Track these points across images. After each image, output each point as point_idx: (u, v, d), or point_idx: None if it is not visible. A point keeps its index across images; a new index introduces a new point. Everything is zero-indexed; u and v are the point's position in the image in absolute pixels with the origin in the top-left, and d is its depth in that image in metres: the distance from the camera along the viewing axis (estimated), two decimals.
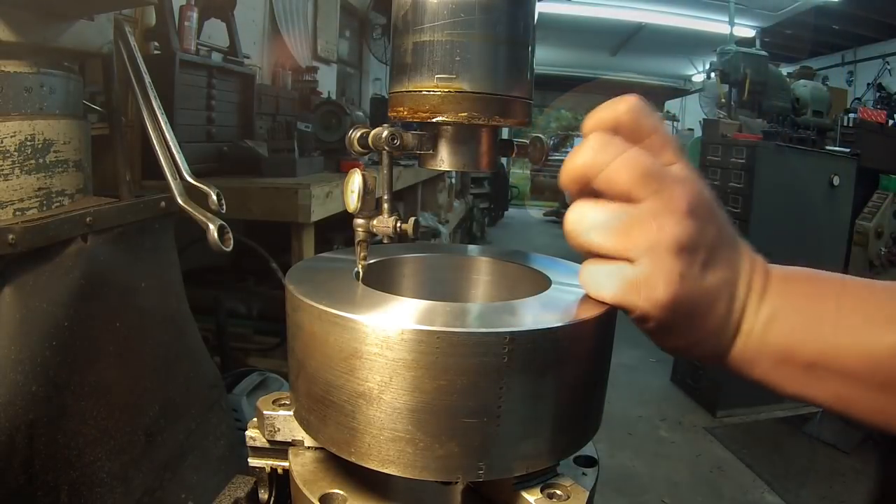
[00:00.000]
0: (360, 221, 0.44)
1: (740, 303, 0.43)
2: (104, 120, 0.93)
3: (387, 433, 0.38)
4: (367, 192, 0.43)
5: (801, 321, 0.42)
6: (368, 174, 0.43)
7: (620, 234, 0.40)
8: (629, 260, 0.40)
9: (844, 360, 0.41)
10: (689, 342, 0.43)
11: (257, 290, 2.14)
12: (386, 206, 0.44)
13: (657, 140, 0.42)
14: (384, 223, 0.44)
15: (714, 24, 8.25)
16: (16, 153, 0.71)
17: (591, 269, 0.42)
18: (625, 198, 0.40)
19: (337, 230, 2.38)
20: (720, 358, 0.44)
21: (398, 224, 0.44)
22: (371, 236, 0.45)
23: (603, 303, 0.42)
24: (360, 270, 0.46)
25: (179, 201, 0.85)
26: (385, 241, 0.45)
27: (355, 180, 0.43)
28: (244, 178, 1.96)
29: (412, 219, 0.44)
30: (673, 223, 0.39)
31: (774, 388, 0.44)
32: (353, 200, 0.43)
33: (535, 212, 11.86)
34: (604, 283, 0.41)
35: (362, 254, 0.45)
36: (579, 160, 0.40)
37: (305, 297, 0.40)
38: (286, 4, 3.72)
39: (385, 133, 0.43)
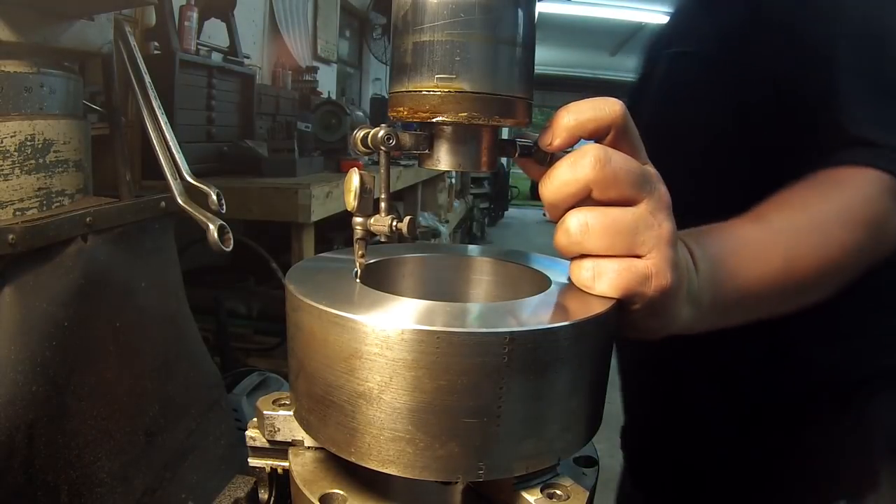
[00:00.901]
0: (358, 220, 0.45)
1: (687, 275, 0.48)
2: (104, 120, 0.93)
3: (387, 433, 0.38)
4: (364, 191, 0.44)
5: (720, 277, 0.51)
6: (367, 174, 0.44)
7: (630, 235, 0.42)
8: (636, 256, 0.43)
9: (754, 290, 0.53)
10: (664, 323, 0.47)
11: (257, 290, 2.14)
12: (383, 205, 0.45)
13: (635, 142, 0.45)
14: (381, 222, 0.45)
15: None
16: (16, 153, 0.71)
17: (593, 266, 0.43)
18: (623, 202, 0.43)
19: (337, 230, 2.39)
20: (675, 328, 0.49)
21: (394, 223, 0.44)
22: (370, 235, 0.45)
23: (605, 300, 0.43)
24: (359, 269, 0.46)
25: (179, 201, 0.85)
26: (383, 240, 0.46)
27: (353, 179, 0.43)
28: (244, 178, 1.97)
29: (408, 218, 0.45)
30: (666, 218, 0.44)
31: (704, 331, 0.52)
32: (350, 199, 0.44)
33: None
34: (612, 279, 0.43)
35: (360, 252, 0.46)
36: (581, 175, 0.42)
37: (305, 297, 0.40)
38: (286, 4, 3.72)
39: (381, 133, 0.43)
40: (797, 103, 0.66)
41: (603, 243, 0.43)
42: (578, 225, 0.43)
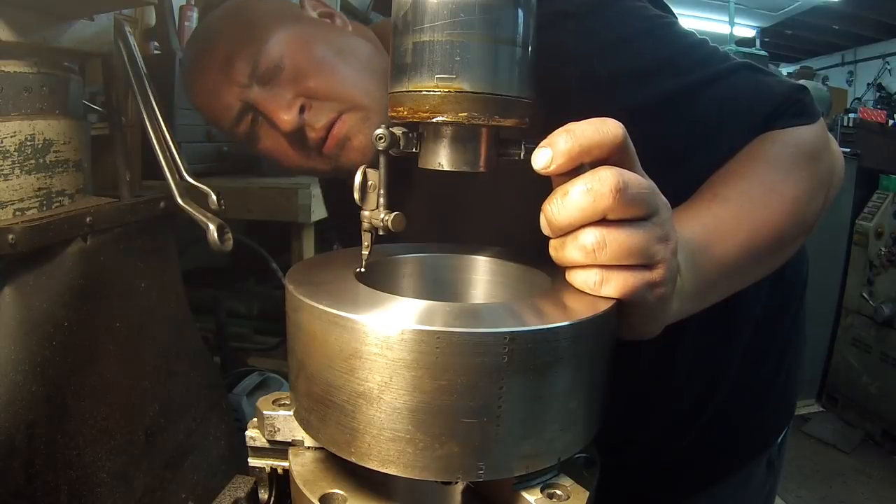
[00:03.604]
0: (364, 213, 0.48)
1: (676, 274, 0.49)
2: (104, 120, 0.93)
3: (387, 433, 0.38)
4: (365, 187, 0.47)
5: (697, 262, 0.53)
6: (372, 171, 0.47)
7: (644, 250, 0.43)
8: (645, 266, 0.44)
9: (727, 267, 0.56)
10: (659, 324, 0.49)
11: (257, 290, 2.13)
12: (381, 200, 0.47)
13: (634, 157, 0.44)
14: (376, 216, 0.47)
15: (714, 24, 8.25)
16: (16, 153, 0.71)
17: (600, 272, 0.43)
18: (635, 219, 0.43)
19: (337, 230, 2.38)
20: (666, 323, 0.50)
21: (384, 218, 0.46)
22: (375, 228, 0.48)
23: (605, 300, 0.43)
24: (363, 260, 0.49)
25: (179, 201, 0.85)
26: (380, 233, 0.48)
27: (357, 176, 0.46)
28: (244, 178, 1.96)
29: (394, 213, 0.47)
30: (672, 227, 0.45)
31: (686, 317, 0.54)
32: (354, 194, 0.47)
33: None
34: (619, 285, 0.43)
35: (365, 243, 0.48)
36: (601, 204, 0.41)
37: (305, 297, 0.40)
38: None
39: (376, 132, 0.45)
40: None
41: (617, 259, 0.42)
42: (596, 243, 0.42)
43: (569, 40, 0.63)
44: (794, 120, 0.65)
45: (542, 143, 0.43)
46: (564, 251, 0.44)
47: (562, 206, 0.42)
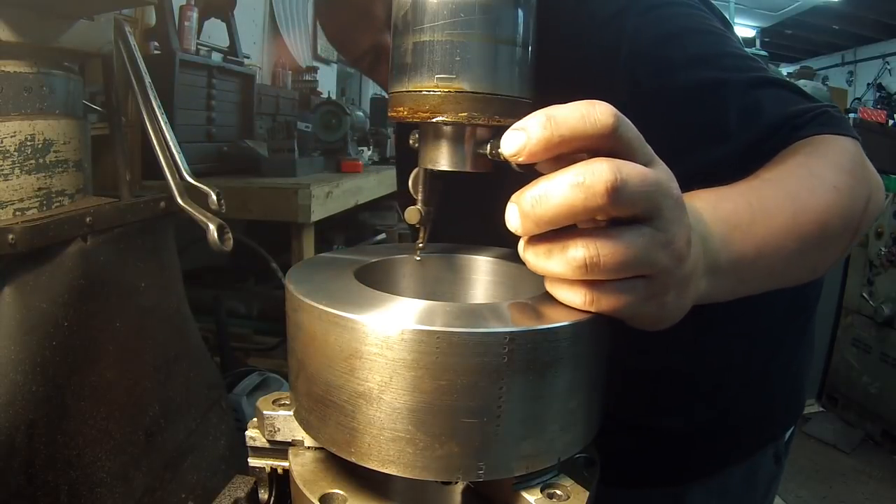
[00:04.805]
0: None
1: (702, 246, 0.45)
2: (104, 120, 0.93)
3: (387, 433, 0.38)
4: (418, 183, 0.51)
5: (735, 236, 0.49)
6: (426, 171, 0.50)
7: (643, 260, 0.38)
8: (643, 276, 0.39)
9: (767, 247, 0.51)
10: (670, 320, 0.44)
11: (257, 290, 2.14)
12: (420, 196, 0.51)
13: (635, 143, 0.38)
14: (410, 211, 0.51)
15: None
16: (16, 153, 0.71)
17: (590, 290, 0.39)
18: (634, 220, 0.38)
19: (337, 230, 2.39)
20: (690, 306, 0.46)
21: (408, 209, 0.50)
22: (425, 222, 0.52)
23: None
24: (417, 250, 0.53)
25: (179, 201, 0.85)
26: (417, 226, 0.52)
27: (412, 174, 0.51)
28: (244, 178, 1.96)
29: (411, 208, 0.50)
30: (678, 231, 0.39)
31: (724, 300, 0.50)
32: (411, 189, 0.51)
33: None
34: (611, 302, 0.39)
35: (420, 235, 0.52)
36: (592, 203, 0.35)
37: (305, 297, 0.40)
38: (286, 4, 3.73)
39: (411, 133, 0.48)
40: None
41: (611, 274, 0.38)
42: (588, 258, 0.36)
43: (627, 24, 0.68)
44: (821, 128, 0.65)
45: (514, 125, 0.37)
46: (548, 261, 0.38)
47: (544, 198, 0.36)
